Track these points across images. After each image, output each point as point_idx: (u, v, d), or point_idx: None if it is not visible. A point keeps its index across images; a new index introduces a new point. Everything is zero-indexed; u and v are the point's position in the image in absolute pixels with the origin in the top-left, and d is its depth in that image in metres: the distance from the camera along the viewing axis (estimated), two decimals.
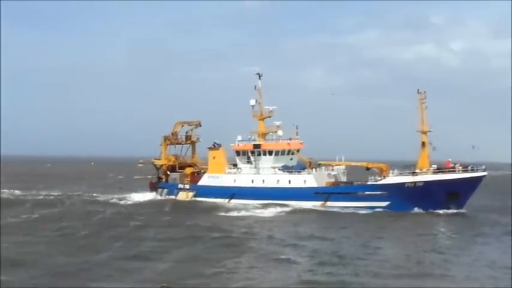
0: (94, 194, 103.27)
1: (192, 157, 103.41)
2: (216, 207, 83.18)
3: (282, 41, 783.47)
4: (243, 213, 78.32)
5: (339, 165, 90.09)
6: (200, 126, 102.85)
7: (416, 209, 79.52)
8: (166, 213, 79.53)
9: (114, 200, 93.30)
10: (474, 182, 79.21)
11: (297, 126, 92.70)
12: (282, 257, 47.06)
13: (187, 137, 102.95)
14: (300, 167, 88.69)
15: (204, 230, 61.62)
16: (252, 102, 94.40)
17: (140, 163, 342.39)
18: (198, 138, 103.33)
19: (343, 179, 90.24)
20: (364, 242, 54.95)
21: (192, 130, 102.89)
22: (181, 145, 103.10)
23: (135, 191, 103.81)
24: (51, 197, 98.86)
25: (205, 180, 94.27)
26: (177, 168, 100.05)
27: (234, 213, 77.76)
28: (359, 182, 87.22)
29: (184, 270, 41.72)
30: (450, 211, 78.52)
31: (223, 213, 77.91)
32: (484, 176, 79.37)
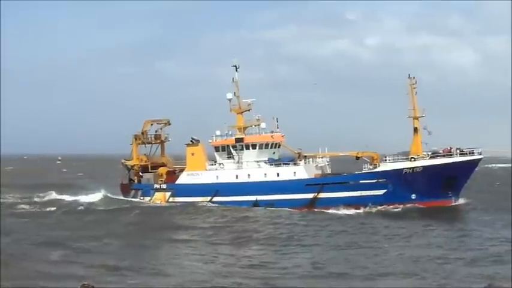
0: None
1: (162, 156, 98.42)
2: None
3: (199, 35, 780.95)
4: None
5: (324, 156, 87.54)
6: (169, 124, 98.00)
7: (413, 196, 77.74)
8: None
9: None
10: (471, 166, 78.13)
11: (277, 119, 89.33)
12: None
13: (156, 136, 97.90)
14: (287, 160, 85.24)
15: None
16: (229, 95, 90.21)
17: (59, 160, 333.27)
18: (166, 138, 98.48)
19: (328, 171, 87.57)
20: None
21: (161, 129, 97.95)
22: (150, 144, 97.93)
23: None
24: None
25: (184, 179, 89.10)
26: (149, 168, 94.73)
27: None
28: (345, 174, 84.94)
29: None
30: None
31: None
32: (480, 159, 78.39)
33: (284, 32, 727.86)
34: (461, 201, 79.76)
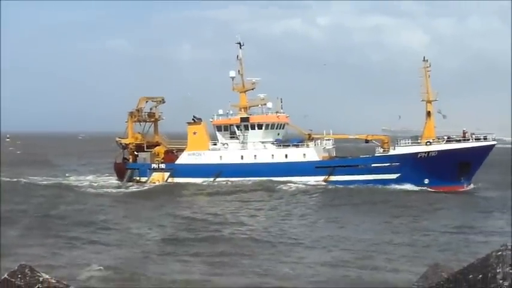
0: None
1: (155, 135, 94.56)
2: None
3: (150, 15, 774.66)
4: None
5: (330, 138, 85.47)
6: (164, 102, 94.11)
7: (426, 181, 76.41)
8: None
9: None
10: (485, 151, 77.19)
11: (281, 99, 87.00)
12: None
13: (150, 114, 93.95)
14: (296, 141, 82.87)
15: None
16: (232, 73, 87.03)
17: (7, 138, 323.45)
18: (160, 116, 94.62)
19: (333, 153, 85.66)
20: None
21: (155, 107, 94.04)
22: (145, 123, 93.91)
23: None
24: None
25: (184, 159, 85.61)
26: (145, 147, 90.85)
27: None
28: (350, 157, 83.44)
29: None
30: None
31: None
32: (494, 144, 77.60)
33: (233, 11, 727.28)
34: (472, 186, 78.59)
